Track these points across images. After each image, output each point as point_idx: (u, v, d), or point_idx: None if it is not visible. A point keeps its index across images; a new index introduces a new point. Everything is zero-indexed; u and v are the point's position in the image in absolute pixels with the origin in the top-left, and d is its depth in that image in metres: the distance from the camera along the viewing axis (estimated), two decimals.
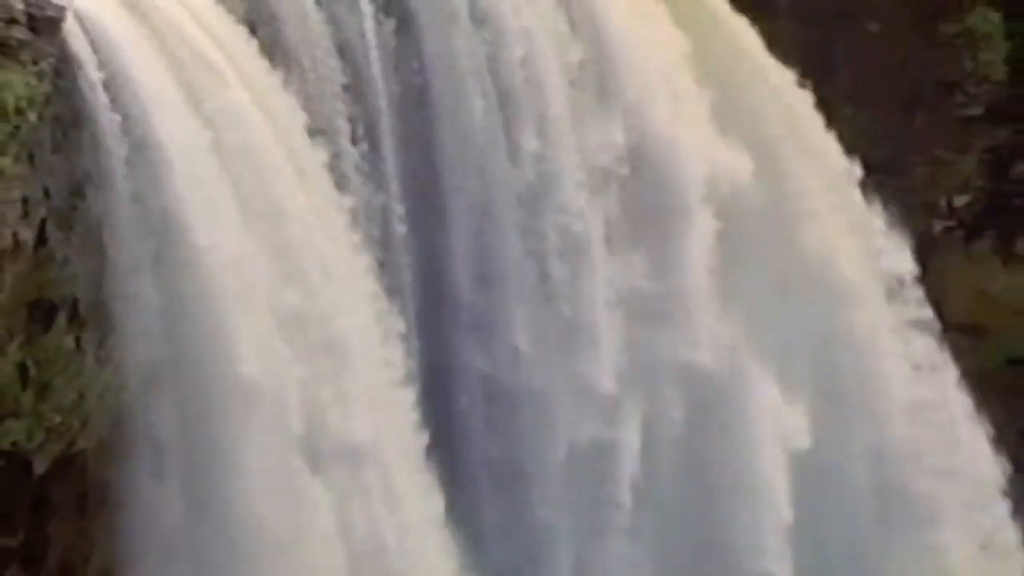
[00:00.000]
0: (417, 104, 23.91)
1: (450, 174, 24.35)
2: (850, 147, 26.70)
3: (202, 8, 21.73)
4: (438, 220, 24.62)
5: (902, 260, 28.49)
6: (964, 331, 27.93)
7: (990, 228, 29.11)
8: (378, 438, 23.22)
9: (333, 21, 23.15)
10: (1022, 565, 29.11)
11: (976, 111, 28.76)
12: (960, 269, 28.86)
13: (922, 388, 28.39)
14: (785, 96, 27.85)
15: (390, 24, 23.77)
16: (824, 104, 26.51)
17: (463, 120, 24.19)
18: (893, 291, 28.65)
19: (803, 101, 27.97)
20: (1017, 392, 28.31)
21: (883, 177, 27.03)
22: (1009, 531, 29.15)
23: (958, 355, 27.63)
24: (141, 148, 20.28)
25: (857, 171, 27.66)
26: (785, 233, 28.45)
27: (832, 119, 26.60)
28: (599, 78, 27.01)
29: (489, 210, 25.32)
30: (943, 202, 29.23)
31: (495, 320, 26.54)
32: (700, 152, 27.66)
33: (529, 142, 25.47)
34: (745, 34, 27.72)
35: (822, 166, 28.20)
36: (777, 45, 26.48)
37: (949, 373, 28.19)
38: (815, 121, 27.73)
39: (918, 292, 28.05)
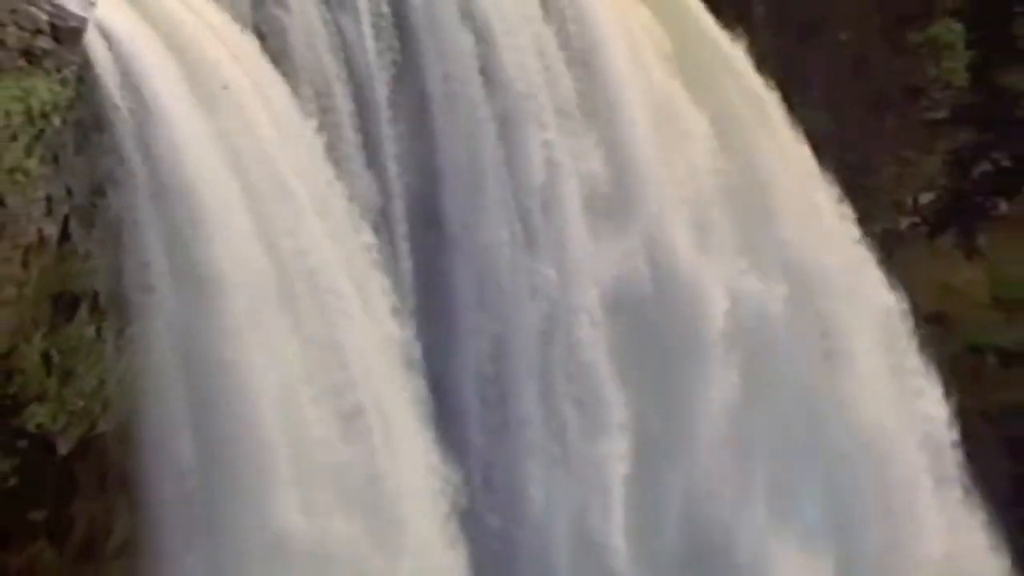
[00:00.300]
0: (418, 109, 23.86)
1: (448, 178, 24.27)
2: (823, 149, 26.56)
3: (219, 23, 21.71)
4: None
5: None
6: (929, 320, 27.84)
7: (953, 224, 29.24)
8: None
9: (338, 32, 23.08)
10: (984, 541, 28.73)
11: (940, 115, 28.86)
12: (925, 263, 28.90)
13: None
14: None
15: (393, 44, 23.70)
16: (798, 109, 26.39)
17: (462, 122, 24.21)
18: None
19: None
20: (978, 377, 28.23)
21: (854, 176, 26.99)
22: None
23: (924, 343, 27.56)
24: (156, 150, 20.31)
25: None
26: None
27: (806, 123, 26.47)
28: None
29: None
30: (909, 200, 29.31)
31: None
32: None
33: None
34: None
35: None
36: (754, 54, 26.43)
37: None
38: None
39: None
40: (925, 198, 29.37)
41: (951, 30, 28.51)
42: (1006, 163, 29.10)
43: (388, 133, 23.51)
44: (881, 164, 28.30)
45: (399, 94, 23.66)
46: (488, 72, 24.39)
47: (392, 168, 23.56)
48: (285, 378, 21.15)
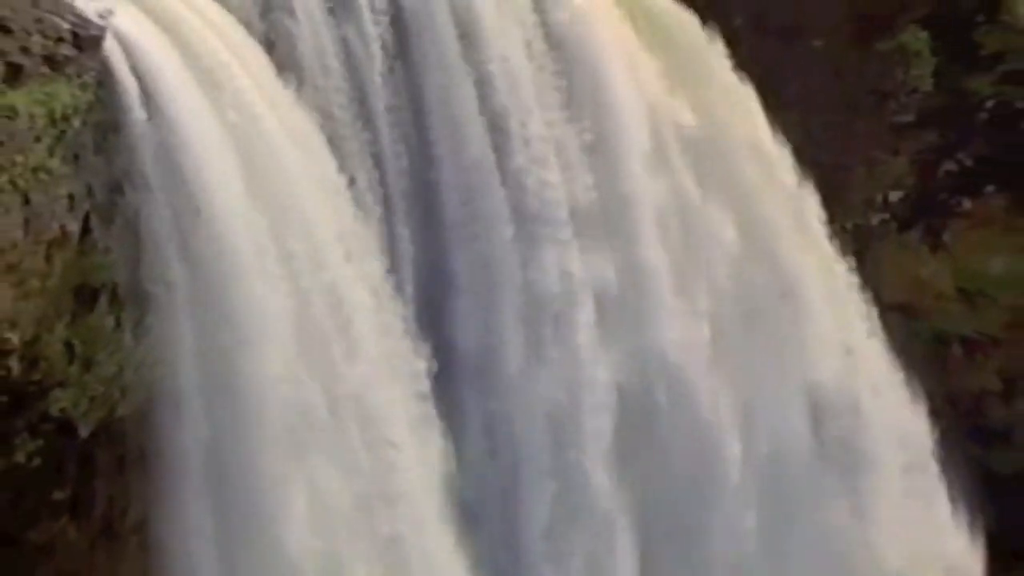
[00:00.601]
0: (411, 108, 23.80)
1: (440, 167, 24.13)
2: (799, 150, 26.65)
3: (230, 32, 21.81)
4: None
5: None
6: (896, 310, 28.01)
7: (920, 221, 29.22)
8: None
9: (341, 40, 23.10)
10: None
11: (908, 118, 28.82)
12: (893, 257, 28.99)
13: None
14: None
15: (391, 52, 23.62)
16: (777, 112, 26.46)
17: (452, 112, 24.11)
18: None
19: None
20: (943, 364, 28.59)
21: (827, 175, 27.07)
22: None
23: (891, 331, 27.70)
24: (170, 151, 20.38)
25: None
26: None
27: (783, 125, 26.58)
28: None
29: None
30: (879, 198, 29.25)
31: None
32: None
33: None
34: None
35: None
36: (737, 61, 26.56)
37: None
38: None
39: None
40: (894, 196, 29.30)
41: (918, 38, 28.47)
42: (969, 163, 29.07)
43: (386, 139, 23.46)
44: (853, 164, 28.32)
45: (402, 105, 23.70)
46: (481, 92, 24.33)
47: (390, 168, 23.57)
48: (286, 358, 21.18)
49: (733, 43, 26.64)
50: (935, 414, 27.63)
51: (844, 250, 27.43)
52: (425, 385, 23.11)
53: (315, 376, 21.48)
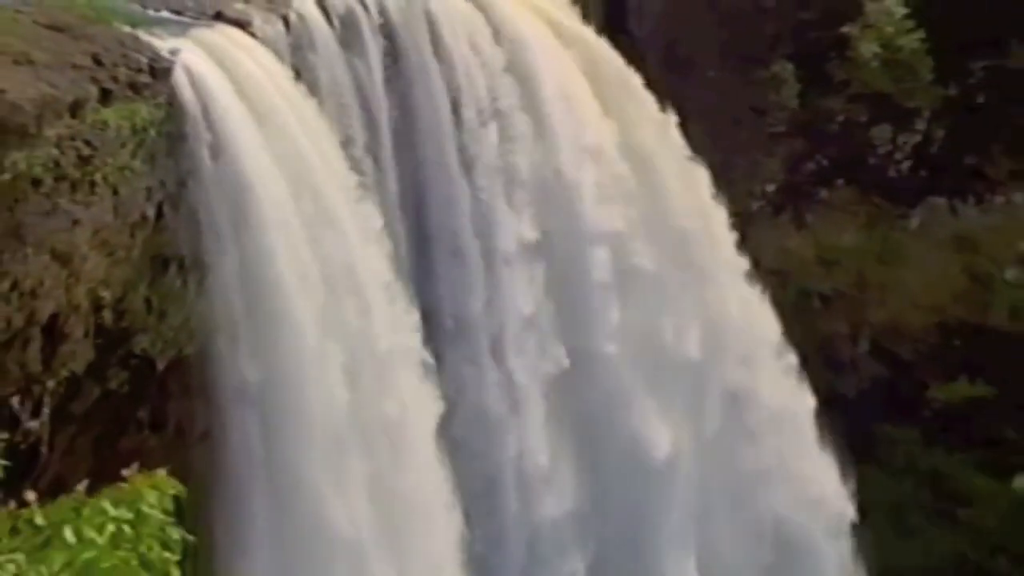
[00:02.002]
0: (409, 132, 23.71)
1: (429, 167, 23.96)
2: (699, 152, 26.39)
3: (268, 64, 21.75)
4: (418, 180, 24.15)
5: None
6: (772, 274, 27.67)
7: (789, 206, 29.26)
8: None
9: (354, 78, 23.00)
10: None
11: (780, 129, 28.76)
12: (769, 233, 28.78)
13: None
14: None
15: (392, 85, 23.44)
16: (682, 125, 26.21)
17: (432, 125, 23.87)
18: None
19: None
20: (806, 314, 28.47)
21: (720, 172, 26.75)
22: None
23: (770, 289, 27.28)
24: (222, 154, 20.41)
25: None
26: None
27: (688, 135, 26.30)
28: None
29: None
30: (758, 189, 29.13)
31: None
32: None
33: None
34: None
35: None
36: (650, 85, 26.27)
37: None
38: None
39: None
40: (769, 188, 29.23)
41: (785, 69, 28.39)
42: (825, 163, 29.16)
43: (389, 147, 23.36)
44: (738, 164, 28.09)
45: (398, 120, 23.53)
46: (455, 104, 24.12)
47: (390, 170, 23.42)
48: (314, 313, 21.05)
49: (647, 73, 26.38)
50: (799, 348, 27.26)
51: (733, 228, 26.96)
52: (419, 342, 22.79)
53: (336, 328, 21.30)
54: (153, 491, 8.83)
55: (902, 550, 27.99)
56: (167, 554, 8.62)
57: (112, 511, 8.54)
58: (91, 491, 8.88)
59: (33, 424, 19.11)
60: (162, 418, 21.08)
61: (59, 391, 19.56)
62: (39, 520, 8.52)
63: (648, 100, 26.34)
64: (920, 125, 28.75)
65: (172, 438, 21.06)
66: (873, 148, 28.92)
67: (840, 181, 29.27)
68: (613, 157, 25.72)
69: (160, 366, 20.75)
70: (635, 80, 26.33)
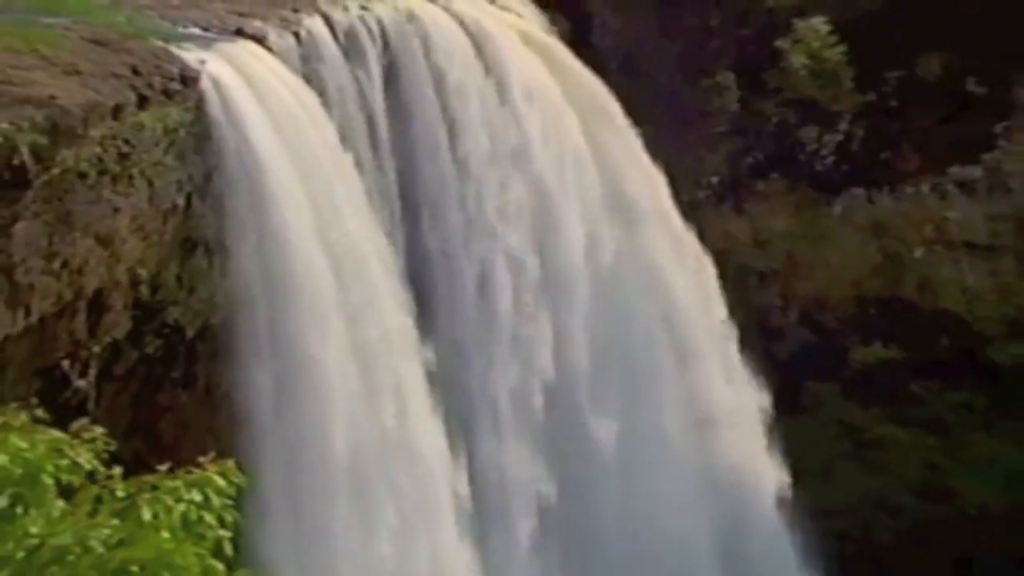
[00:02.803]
0: (404, 132, 23.56)
1: (422, 164, 23.74)
2: (654, 152, 26.39)
3: (282, 74, 21.66)
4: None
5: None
6: (716, 253, 27.47)
7: (730, 196, 29.11)
8: None
9: (357, 86, 22.89)
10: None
11: (722, 129, 28.58)
12: (713, 219, 28.56)
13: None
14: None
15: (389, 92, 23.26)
16: (638, 125, 26.14)
17: (424, 128, 23.64)
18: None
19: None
20: (744, 288, 28.31)
21: (672, 167, 26.68)
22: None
23: (711, 266, 27.26)
24: (243, 151, 20.32)
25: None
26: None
27: (643, 134, 26.23)
28: None
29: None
30: (704, 181, 28.94)
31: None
32: None
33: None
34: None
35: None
36: (611, 91, 26.22)
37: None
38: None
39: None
40: (713, 180, 29.03)
41: (727, 78, 28.27)
42: (761, 158, 28.98)
43: (386, 146, 23.21)
44: (686, 159, 27.85)
45: (395, 122, 23.39)
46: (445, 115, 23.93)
47: (388, 167, 23.23)
48: (324, 281, 20.97)
49: (608, 80, 26.37)
50: (738, 317, 27.27)
51: (683, 215, 26.99)
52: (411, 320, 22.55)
53: (340, 300, 21.19)
54: (221, 478, 8.76)
55: (826, 490, 27.99)
56: (223, 531, 8.61)
57: (185, 494, 8.56)
58: (136, 467, 8.92)
59: (81, 383, 19.14)
60: (192, 378, 21.03)
61: (103, 355, 19.61)
62: (120, 492, 8.54)
63: (610, 102, 26.26)
64: (842, 126, 28.69)
65: (201, 395, 21.02)
66: (802, 146, 28.79)
67: (774, 174, 29.06)
68: (579, 148, 25.57)
69: (190, 333, 20.78)
70: (597, 85, 26.24)
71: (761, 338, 27.89)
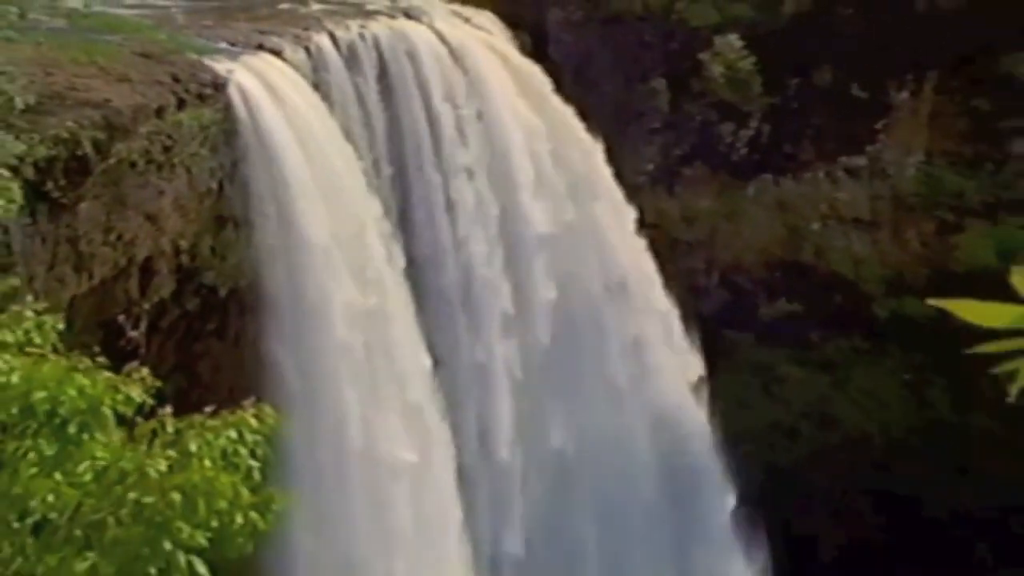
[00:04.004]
0: (396, 131, 23.35)
1: (409, 156, 23.59)
2: (599, 142, 26.29)
3: (296, 81, 21.59)
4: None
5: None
6: (651, 227, 27.49)
7: (663, 180, 28.89)
8: None
9: (357, 92, 22.72)
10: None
11: (656, 126, 28.36)
12: (652, 200, 28.31)
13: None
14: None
15: (383, 97, 23.08)
16: (587, 122, 26.02)
17: (411, 126, 23.42)
18: None
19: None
20: (674, 257, 28.13)
21: (615, 157, 26.57)
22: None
23: (649, 238, 27.13)
24: (264, 144, 20.28)
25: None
26: None
27: (590, 130, 26.08)
28: None
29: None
30: (641, 168, 28.35)
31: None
32: None
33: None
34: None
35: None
36: (568, 101, 26.10)
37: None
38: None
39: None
40: (649, 167, 28.74)
41: (660, 83, 28.12)
42: (687, 150, 28.74)
43: (381, 139, 23.05)
44: (627, 151, 27.64)
45: (387, 120, 23.21)
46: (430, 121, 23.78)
47: (382, 156, 23.09)
48: (330, 252, 20.87)
49: (563, 86, 26.26)
50: (671, 280, 27.16)
51: (626, 197, 26.88)
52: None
53: (344, 266, 21.05)
54: (256, 419, 8.70)
55: (740, 418, 27.90)
56: (252, 462, 8.58)
57: (223, 431, 8.53)
58: (178, 411, 8.93)
59: (134, 334, 19.22)
60: (224, 329, 21.03)
61: (152, 311, 19.66)
62: (170, 428, 8.57)
63: (563, 106, 26.10)
64: (753, 123, 28.62)
65: (231, 343, 21.00)
66: (720, 139, 28.63)
67: (698, 162, 28.92)
68: (541, 142, 25.37)
69: (222, 293, 20.76)
70: (551, 89, 26.02)
71: (689, 297, 27.75)
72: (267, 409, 8.84)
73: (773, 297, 29.35)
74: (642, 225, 27.09)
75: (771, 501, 26.89)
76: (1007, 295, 2.25)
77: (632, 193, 27.07)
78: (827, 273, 29.03)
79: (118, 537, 7.89)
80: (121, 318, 19.01)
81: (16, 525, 7.94)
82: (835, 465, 28.57)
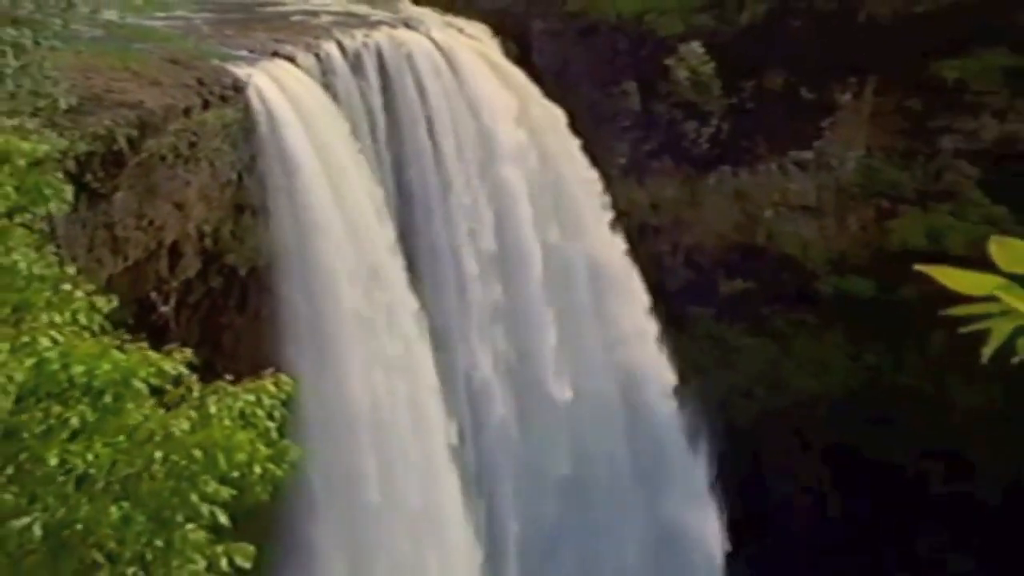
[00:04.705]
0: (396, 129, 23.19)
1: (408, 151, 23.48)
2: (578, 138, 26.22)
3: (307, 84, 21.49)
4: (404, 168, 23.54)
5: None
6: (623, 214, 27.35)
7: (633, 172, 28.74)
8: None
9: (361, 94, 22.67)
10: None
11: (627, 124, 28.26)
12: (624, 189, 28.08)
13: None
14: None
15: (385, 98, 22.94)
16: (572, 126, 26.09)
17: (410, 124, 23.30)
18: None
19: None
20: (644, 239, 28.07)
21: (592, 151, 26.56)
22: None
23: (620, 222, 27.15)
24: (279, 139, 20.23)
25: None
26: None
27: (572, 127, 26.17)
28: None
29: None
30: (615, 162, 28.33)
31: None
32: None
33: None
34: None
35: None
36: (547, 96, 26.07)
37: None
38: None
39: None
40: (621, 161, 28.52)
41: (631, 86, 27.96)
42: (655, 146, 28.60)
43: (383, 136, 22.98)
44: (602, 146, 27.46)
45: (390, 123, 23.13)
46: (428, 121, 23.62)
47: (384, 151, 23.03)
48: (337, 233, 20.72)
49: (545, 89, 26.22)
50: (640, 261, 27.16)
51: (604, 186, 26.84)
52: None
53: (349, 244, 21.06)
54: (274, 386, 8.67)
55: (701, 384, 27.76)
56: (270, 423, 8.57)
57: (242, 395, 8.53)
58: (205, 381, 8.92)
59: (164, 309, 19.26)
60: (244, 305, 21.02)
61: (180, 288, 19.68)
62: (195, 393, 8.58)
63: (548, 105, 26.07)
64: (714, 122, 28.52)
65: (251, 317, 20.98)
66: (685, 136, 28.51)
67: (665, 156, 28.77)
68: (522, 133, 25.15)
69: (242, 273, 20.77)
70: (537, 92, 26.07)
71: (657, 275, 27.70)
72: (284, 377, 8.83)
73: (730, 276, 29.33)
74: (616, 211, 27.03)
75: (729, 453, 27.00)
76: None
77: (606, 184, 27.03)
78: (778, 254, 29.01)
79: (150, 489, 8.00)
80: (153, 295, 19.04)
81: (61, 479, 8.03)
82: (785, 422, 28.70)
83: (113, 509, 7.89)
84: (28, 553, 7.75)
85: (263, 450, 8.39)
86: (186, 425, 8.18)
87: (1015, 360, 2.58)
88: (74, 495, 8.00)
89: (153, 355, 8.51)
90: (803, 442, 28.53)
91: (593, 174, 26.59)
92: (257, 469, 8.29)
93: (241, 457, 8.20)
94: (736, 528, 26.76)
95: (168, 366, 8.48)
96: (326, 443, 19.37)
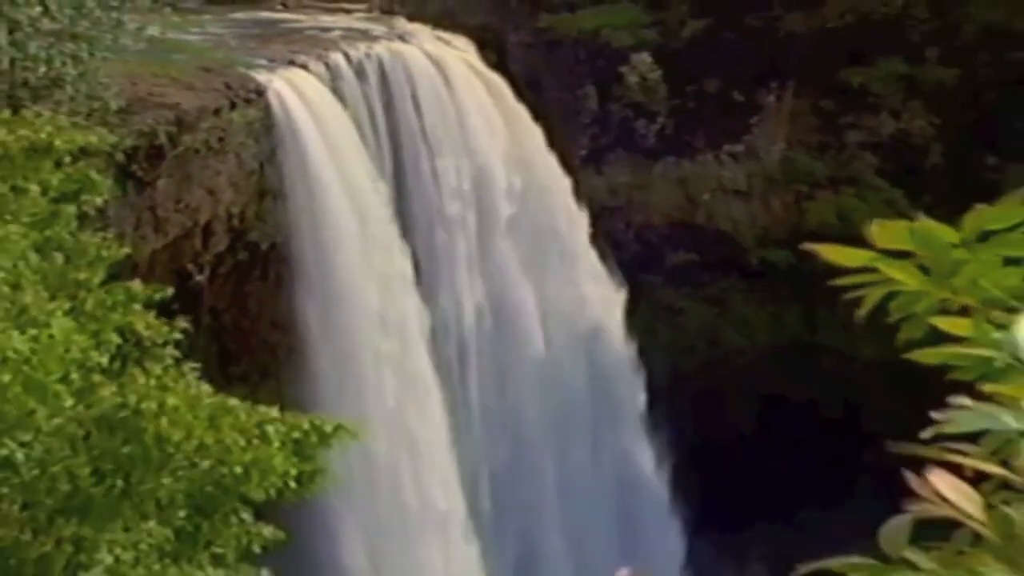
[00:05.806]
0: (394, 126, 23.03)
1: (406, 151, 23.15)
2: (550, 137, 25.87)
3: (318, 88, 21.45)
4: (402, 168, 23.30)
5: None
6: (583, 197, 27.01)
7: (592, 162, 28.69)
8: None
9: (364, 96, 22.55)
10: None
11: (587, 121, 28.21)
12: (584, 176, 27.83)
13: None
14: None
15: (384, 100, 22.80)
16: (538, 121, 25.70)
17: (407, 126, 23.05)
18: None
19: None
20: (602, 218, 27.68)
21: (560, 147, 26.38)
22: None
23: (587, 206, 26.90)
24: (295, 136, 20.08)
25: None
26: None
27: (541, 126, 25.91)
28: None
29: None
30: (577, 153, 28.04)
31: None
32: None
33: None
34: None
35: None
36: (521, 100, 25.91)
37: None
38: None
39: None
40: (582, 152, 28.20)
41: (591, 90, 27.96)
42: (611, 140, 28.51)
43: (383, 133, 22.87)
44: (567, 140, 27.27)
45: (389, 121, 22.97)
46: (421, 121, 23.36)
47: (384, 146, 22.89)
48: (346, 216, 20.60)
49: (519, 92, 26.08)
50: (598, 237, 27.01)
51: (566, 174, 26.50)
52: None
53: (355, 225, 20.88)
54: (331, 429, 8.24)
55: (650, 343, 27.70)
56: (314, 451, 8.20)
57: (298, 427, 8.05)
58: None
59: (199, 278, 19.21)
60: (266, 274, 20.91)
61: (212, 261, 19.61)
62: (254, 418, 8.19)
63: (520, 106, 25.92)
64: (660, 120, 28.53)
65: (272, 284, 20.91)
66: (636, 132, 28.52)
67: (619, 148, 28.77)
68: (499, 125, 24.94)
69: (264, 248, 20.60)
70: (511, 94, 25.89)
71: (612, 249, 27.72)
72: (345, 424, 8.35)
73: (675, 249, 29.38)
74: (578, 194, 26.97)
75: (673, 399, 27.30)
76: (847, 245, 2.50)
77: (570, 172, 26.97)
78: (714, 231, 29.12)
79: (192, 476, 7.81)
80: (189, 266, 19.02)
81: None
82: (720, 372, 28.95)
83: (164, 476, 7.66)
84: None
85: (294, 472, 8.10)
86: (243, 442, 7.91)
87: (890, 320, 2.69)
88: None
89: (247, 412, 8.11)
90: (735, 389, 28.75)
91: (554, 160, 26.32)
92: (290, 484, 8.05)
93: (274, 479, 7.93)
94: (681, 457, 27.00)
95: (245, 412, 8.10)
96: (336, 394, 19.34)
